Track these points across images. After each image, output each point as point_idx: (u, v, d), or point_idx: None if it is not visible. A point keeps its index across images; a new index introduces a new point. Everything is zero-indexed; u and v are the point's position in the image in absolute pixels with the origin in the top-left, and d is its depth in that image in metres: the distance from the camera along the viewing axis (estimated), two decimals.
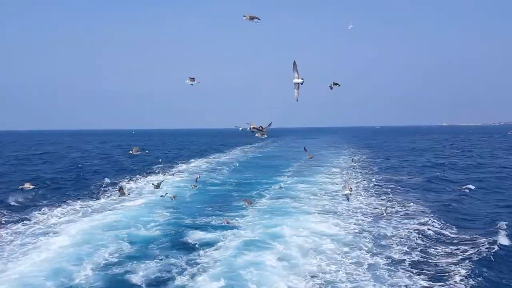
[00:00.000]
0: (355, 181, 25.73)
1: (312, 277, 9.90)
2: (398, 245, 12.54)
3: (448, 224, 15.18)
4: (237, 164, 36.56)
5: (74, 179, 28.08)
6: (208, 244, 12.51)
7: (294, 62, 7.04)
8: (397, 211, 17.36)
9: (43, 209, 18.05)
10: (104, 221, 15.60)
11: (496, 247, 12.00)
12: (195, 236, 13.44)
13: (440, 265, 10.95)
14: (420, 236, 13.53)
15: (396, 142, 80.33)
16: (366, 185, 24.07)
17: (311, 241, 12.75)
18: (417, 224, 15.06)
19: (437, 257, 11.59)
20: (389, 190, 22.50)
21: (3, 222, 15.49)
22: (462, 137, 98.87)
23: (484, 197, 21.24)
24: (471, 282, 9.62)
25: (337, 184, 24.04)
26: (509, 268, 10.77)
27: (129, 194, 13.46)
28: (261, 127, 8.60)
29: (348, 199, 15.71)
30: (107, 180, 26.51)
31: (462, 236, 13.68)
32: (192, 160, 41.24)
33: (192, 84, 9.67)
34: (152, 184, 16.43)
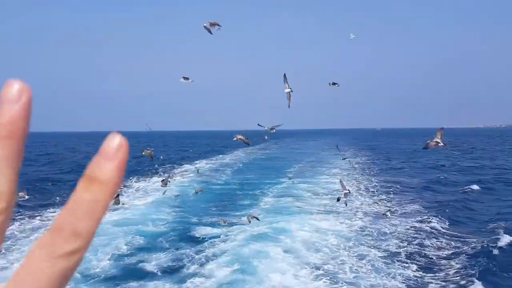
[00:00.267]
0: (355, 182, 26.20)
1: (316, 268, 10.55)
2: (396, 241, 13.13)
3: (447, 222, 15.56)
4: (240, 165, 37.13)
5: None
6: (215, 237, 13.17)
7: (284, 75, 7.98)
8: (397, 211, 17.79)
9: (55, 207, 18.64)
10: (112, 218, 16.17)
11: (495, 246, 12.32)
12: (201, 231, 14.03)
13: (436, 258, 11.49)
14: (418, 232, 14.06)
15: (397, 144, 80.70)
16: (367, 186, 24.54)
17: (314, 236, 13.32)
18: (416, 222, 15.55)
19: (433, 251, 12.14)
20: (390, 190, 22.93)
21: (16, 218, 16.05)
22: (463, 140, 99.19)
23: (486, 198, 21.48)
24: (465, 274, 10.08)
25: (337, 184, 24.55)
26: (507, 265, 11.09)
27: (123, 203, 13.93)
28: (247, 138, 9.60)
29: (345, 204, 16.24)
30: None
31: (461, 234, 14.09)
32: (197, 161, 41.74)
33: (185, 81, 9.91)
34: (162, 181, 17.02)
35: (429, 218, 16.22)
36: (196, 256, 11.41)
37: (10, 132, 0.36)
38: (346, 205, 16.25)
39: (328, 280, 9.85)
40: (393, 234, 13.97)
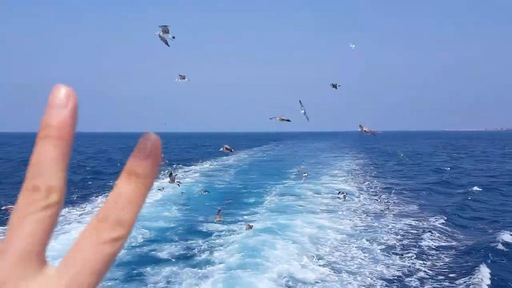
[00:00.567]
0: (356, 182, 26.69)
1: (319, 259, 11.38)
2: (395, 235, 13.87)
3: (447, 221, 15.99)
4: (244, 165, 37.72)
5: (91, 179, 29.27)
6: (222, 231, 13.89)
7: (300, 101, 7.79)
8: (397, 210, 18.27)
9: (66, 204, 19.28)
10: None
11: (495, 245, 12.58)
12: (208, 226, 14.69)
13: (433, 252, 12.10)
14: (417, 228, 14.68)
15: (398, 146, 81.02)
16: (367, 186, 25.04)
17: (318, 232, 14.02)
18: (415, 220, 16.12)
19: (431, 246, 12.70)
20: (391, 191, 23.29)
21: None
22: (465, 142, 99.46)
23: (488, 199, 21.62)
24: (465, 273, 10.49)
25: (338, 184, 25.12)
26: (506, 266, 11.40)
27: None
28: (231, 148, 9.62)
29: (344, 199, 17.00)
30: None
31: (461, 233, 14.52)
32: (201, 162, 42.27)
33: (181, 81, 9.46)
34: (169, 176, 17.63)
35: (429, 217, 16.61)
36: (206, 246, 12.26)
37: (60, 134, 0.40)
38: (345, 199, 17.02)
39: (331, 268, 10.60)
40: (393, 231, 14.55)
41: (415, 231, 14.52)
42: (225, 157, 50.02)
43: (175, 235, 13.55)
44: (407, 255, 11.94)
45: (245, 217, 16.42)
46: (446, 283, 10.08)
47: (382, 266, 11.05)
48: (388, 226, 15.20)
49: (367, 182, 26.69)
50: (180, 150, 69.38)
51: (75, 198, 21.47)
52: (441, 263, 11.55)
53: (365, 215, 17.04)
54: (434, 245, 13.02)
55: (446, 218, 16.38)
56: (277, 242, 12.33)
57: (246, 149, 62.69)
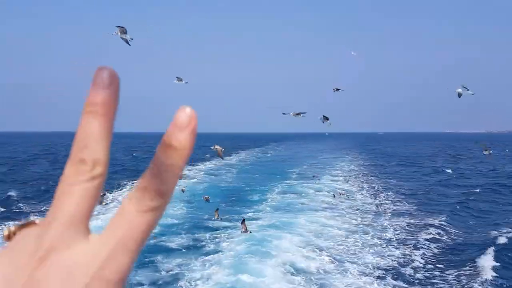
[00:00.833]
0: (358, 182, 27.03)
1: (322, 250, 11.99)
2: (394, 231, 14.50)
3: (448, 222, 16.15)
4: (246, 165, 38.14)
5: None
6: (228, 227, 14.36)
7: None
8: (398, 209, 18.61)
9: None
10: None
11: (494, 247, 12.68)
12: (214, 223, 15.06)
13: (432, 251, 12.51)
14: (416, 226, 15.23)
15: (399, 148, 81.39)
16: (368, 186, 25.40)
17: (321, 227, 14.56)
18: (414, 218, 16.57)
19: (430, 245, 13.13)
20: (392, 191, 23.60)
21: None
22: (465, 144, 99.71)
23: (490, 201, 21.74)
24: (464, 272, 10.86)
25: (339, 183, 25.55)
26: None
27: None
28: (223, 151, 9.47)
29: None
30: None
31: (461, 233, 14.85)
32: (205, 162, 42.61)
33: (179, 83, 9.78)
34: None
35: (429, 217, 16.89)
36: (213, 238, 12.91)
37: (104, 111, 0.44)
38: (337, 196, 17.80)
39: (333, 258, 11.32)
40: (394, 228, 15.03)
41: (416, 229, 14.91)
42: (227, 157, 50.44)
43: (181, 230, 14.03)
44: (407, 251, 12.40)
45: (249, 214, 16.80)
46: (446, 282, 10.40)
47: (383, 259, 11.59)
48: (389, 224, 15.59)
49: (367, 183, 26.97)
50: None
51: None
52: (441, 260, 11.92)
53: (365, 213, 17.42)
54: (434, 245, 13.32)
55: (446, 218, 16.64)
56: (282, 235, 12.87)
57: (247, 150, 63.07)
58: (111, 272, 0.42)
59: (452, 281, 10.39)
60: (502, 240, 13.40)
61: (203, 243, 12.60)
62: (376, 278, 10.18)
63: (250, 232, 12.07)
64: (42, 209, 17.41)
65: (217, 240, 12.78)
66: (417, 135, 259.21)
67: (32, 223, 0.47)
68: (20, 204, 18.65)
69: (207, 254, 11.49)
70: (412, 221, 16.13)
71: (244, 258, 10.70)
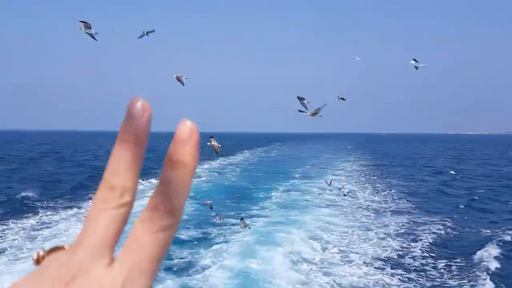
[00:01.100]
0: (361, 183, 27.45)
1: (327, 243, 12.71)
2: (394, 228, 15.08)
3: (448, 221, 16.34)
4: (249, 164, 38.68)
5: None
6: (235, 224, 14.74)
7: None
8: (398, 209, 18.80)
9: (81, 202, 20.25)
10: (134, 210, 17.79)
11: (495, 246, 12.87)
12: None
13: (432, 250, 12.93)
14: (415, 223, 15.76)
15: (402, 149, 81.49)
16: (369, 187, 25.80)
17: (325, 224, 15.10)
18: (414, 217, 16.96)
19: (425, 240, 13.63)
20: (392, 191, 23.71)
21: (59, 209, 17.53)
22: (468, 146, 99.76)
23: (490, 202, 21.77)
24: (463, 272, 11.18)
25: (341, 182, 26.07)
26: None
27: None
28: (219, 148, 8.28)
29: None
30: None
31: (461, 232, 15.13)
32: (209, 161, 43.07)
33: (180, 78, 10.04)
34: None
35: (429, 217, 17.07)
36: (221, 232, 13.52)
37: (137, 140, 0.44)
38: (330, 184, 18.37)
39: (338, 249, 11.99)
40: (391, 223, 15.64)
41: (417, 228, 15.23)
42: (232, 156, 50.97)
43: (190, 225, 14.46)
44: (408, 248, 12.73)
45: (254, 211, 17.40)
46: (447, 281, 10.59)
47: (384, 252, 12.12)
48: (390, 223, 15.88)
49: (368, 183, 27.23)
50: None
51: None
52: (441, 255, 12.25)
53: (367, 211, 17.90)
54: (435, 240, 13.67)
55: (447, 218, 16.85)
56: (287, 229, 13.46)
57: (250, 150, 63.50)
58: None
59: (453, 276, 10.74)
60: (507, 238, 13.72)
61: (212, 235, 13.21)
62: (376, 269, 10.74)
63: (249, 228, 12.39)
64: (56, 206, 17.98)
65: (225, 233, 13.34)
66: (419, 136, 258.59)
67: (61, 247, 0.48)
68: (35, 201, 19.18)
69: (217, 243, 12.12)
70: (413, 218, 16.48)
71: (252, 247, 11.32)
